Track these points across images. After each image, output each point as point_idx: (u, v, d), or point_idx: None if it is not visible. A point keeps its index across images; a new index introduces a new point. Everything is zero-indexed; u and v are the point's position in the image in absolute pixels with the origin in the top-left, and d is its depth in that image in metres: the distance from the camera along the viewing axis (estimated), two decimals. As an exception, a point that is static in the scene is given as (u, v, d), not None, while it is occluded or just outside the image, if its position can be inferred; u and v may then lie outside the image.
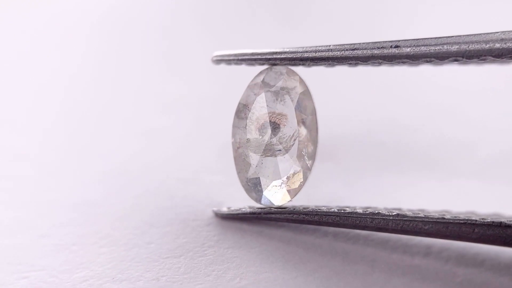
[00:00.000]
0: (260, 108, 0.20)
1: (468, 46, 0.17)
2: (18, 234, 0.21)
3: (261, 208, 0.21)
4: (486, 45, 0.17)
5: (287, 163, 0.20)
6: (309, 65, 0.20)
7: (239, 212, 0.21)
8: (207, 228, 0.21)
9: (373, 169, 0.25)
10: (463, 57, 0.17)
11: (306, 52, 0.20)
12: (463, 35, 0.18)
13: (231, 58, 0.21)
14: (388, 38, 0.19)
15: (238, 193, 0.21)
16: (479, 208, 0.21)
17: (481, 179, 0.25)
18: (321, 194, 0.23)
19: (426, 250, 0.20)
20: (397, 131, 0.28)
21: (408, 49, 0.18)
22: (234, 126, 0.21)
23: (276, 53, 0.20)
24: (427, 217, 0.19)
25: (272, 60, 0.20)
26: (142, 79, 0.32)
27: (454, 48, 0.18)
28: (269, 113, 0.20)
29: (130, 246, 0.20)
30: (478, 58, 0.17)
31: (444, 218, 0.18)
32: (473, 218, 0.18)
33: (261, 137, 0.20)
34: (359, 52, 0.19)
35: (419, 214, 0.19)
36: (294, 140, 0.20)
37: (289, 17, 0.40)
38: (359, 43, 0.19)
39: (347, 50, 0.19)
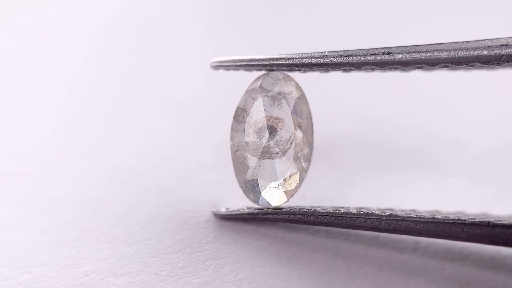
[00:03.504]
0: (258, 112, 0.21)
1: (457, 53, 0.18)
2: (21, 230, 0.21)
3: (258, 209, 0.21)
4: (474, 52, 0.18)
5: (284, 165, 0.20)
6: (304, 71, 0.20)
7: (237, 213, 0.22)
8: (205, 225, 0.22)
9: (365, 168, 0.25)
10: (452, 63, 0.18)
11: (302, 58, 0.20)
12: (452, 43, 0.18)
13: (230, 64, 0.21)
14: (381, 44, 0.20)
15: (235, 191, 0.22)
16: (468, 206, 0.22)
17: (469, 177, 0.25)
18: (315, 193, 0.23)
19: (414, 245, 0.21)
20: (388, 130, 0.28)
21: (400, 56, 0.18)
22: (232, 129, 0.21)
23: (273, 59, 0.20)
24: (419, 217, 0.19)
25: (269, 66, 0.21)
26: (142, 80, 0.32)
27: (444, 54, 0.18)
28: (266, 117, 0.20)
29: (130, 242, 0.21)
30: (467, 64, 0.18)
31: (434, 218, 0.19)
32: (463, 218, 0.19)
33: (259, 140, 0.21)
34: (353, 59, 0.19)
35: (410, 214, 0.19)
36: (291, 143, 0.20)
37: (287, 23, 0.40)
38: (353, 50, 0.19)
39: (341, 56, 0.19)
